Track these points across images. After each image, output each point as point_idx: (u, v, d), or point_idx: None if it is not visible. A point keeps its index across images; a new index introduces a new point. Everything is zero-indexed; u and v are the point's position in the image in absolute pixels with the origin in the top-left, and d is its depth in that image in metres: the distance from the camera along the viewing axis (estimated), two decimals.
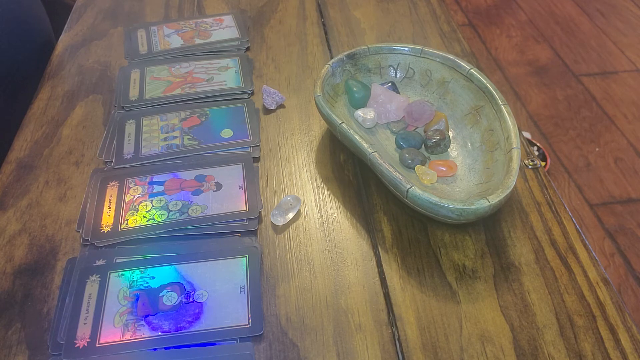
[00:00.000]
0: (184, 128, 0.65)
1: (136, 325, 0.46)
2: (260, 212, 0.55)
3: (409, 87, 0.66)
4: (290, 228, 0.54)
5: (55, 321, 0.47)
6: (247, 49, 0.79)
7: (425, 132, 0.61)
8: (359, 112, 0.62)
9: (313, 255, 0.52)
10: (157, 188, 0.58)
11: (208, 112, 0.67)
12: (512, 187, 0.50)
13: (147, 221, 0.54)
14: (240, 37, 0.80)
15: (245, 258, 0.51)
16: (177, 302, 0.48)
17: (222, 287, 0.49)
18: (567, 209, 0.55)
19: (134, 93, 0.70)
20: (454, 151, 0.60)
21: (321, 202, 0.57)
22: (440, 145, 0.59)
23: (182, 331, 0.46)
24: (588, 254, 0.51)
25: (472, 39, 2.03)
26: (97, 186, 0.58)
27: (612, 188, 1.47)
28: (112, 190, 0.58)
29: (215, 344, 0.45)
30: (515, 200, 0.56)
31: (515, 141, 0.53)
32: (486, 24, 2.12)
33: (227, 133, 0.64)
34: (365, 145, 0.54)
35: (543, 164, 1.50)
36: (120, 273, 0.50)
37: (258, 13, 0.86)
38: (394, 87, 0.65)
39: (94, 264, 0.51)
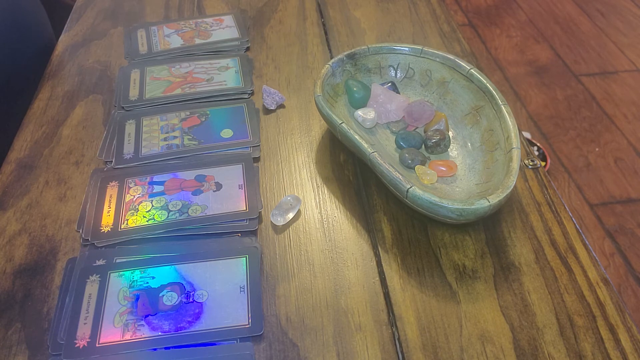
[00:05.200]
0: (184, 128, 0.65)
1: (136, 325, 0.46)
2: (260, 212, 0.55)
3: (409, 87, 0.66)
4: (290, 228, 0.54)
5: (55, 321, 0.47)
6: (247, 49, 0.79)
7: (425, 132, 0.61)
8: (359, 112, 0.62)
9: (313, 255, 0.52)
10: (157, 188, 0.58)
11: (208, 112, 0.67)
12: (512, 187, 0.50)
13: (147, 221, 0.54)
14: (240, 37, 0.80)
15: (245, 258, 0.51)
16: (177, 302, 0.48)
17: (222, 287, 0.49)
18: (567, 209, 0.55)
19: (134, 93, 0.70)
20: (454, 151, 0.60)
21: (321, 202, 0.57)
22: (440, 145, 0.59)
23: (182, 331, 0.46)
24: (588, 254, 0.51)
25: (472, 39, 2.03)
26: (97, 186, 0.58)
27: (612, 188, 1.47)
28: (112, 190, 0.58)
29: (215, 344, 0.45)
30: (515, 200, 0.56)
31: (515, 141, 0.53)
32: (486, 24, 2.12)
33: (227, 133, 0.64)
34: (365, 145, 0.54)
35: (543, 164, 1.50)
36: (120, 273, 0.50)
37: (258, 13, 0.86)
38: (394, 87, 0.65)
39: (94, 264, 0.51)
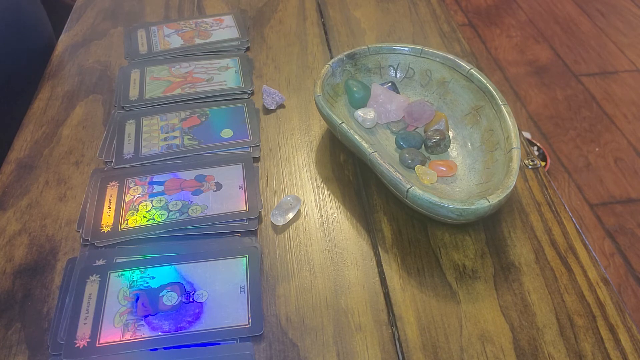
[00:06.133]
0: (184, 128, 0.65)
1: (136, 325, 0.46)
2: (260, 212, 0.55)
3: (409, 87, 0.66)
4: (290, 228, 0.54)
5: (55, 321, 0.47)
6: (247, 49, 0.79)
7: (425, 132, 0.61)
8: (359, 112, 0.62)
9: (313, 255, 0.52)
10: (157, 188, 0.58)
11: (208, 112, 0.67)
12: (512, 187, 0.50)
13: (147, 221, 0.54)
14: (240, 37, 0.80)
15: (245, 258, 0.51)
16: (177, 302, 0.48)
17: (222, 287, 0.49)
18: (567, 209, 0.55)
19: (134, 93, 0.70)
20: (454, 151, 0.60)
21: (321, 202, 0.57)
22: (440, 145, 0.59)
23: (182, 331, 0.46)
24: (588, 254, 0.51)
25: (472, 39, 2.03)
26: (97, 186, 0.58)
27: (612, 188, 1.47)
28: (112, 190, 0.58)
29: (215, 344, 0.45)
30: (515, 200, 0.56)
31: (515, 141, 0.53)
32: (486, 24, 2.12)
33: (227, 133, 0.64)
34: (365, 145, 0.54)
35: (543, 164, 1.50)
36: (120, 273, 0.50)
37: (258, 13, 0.86)
38: (394, 87, 0.65)
39: (94, 264, 0.51)
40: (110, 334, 0.46)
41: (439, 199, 0.49)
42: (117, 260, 0.51)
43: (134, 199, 0.57)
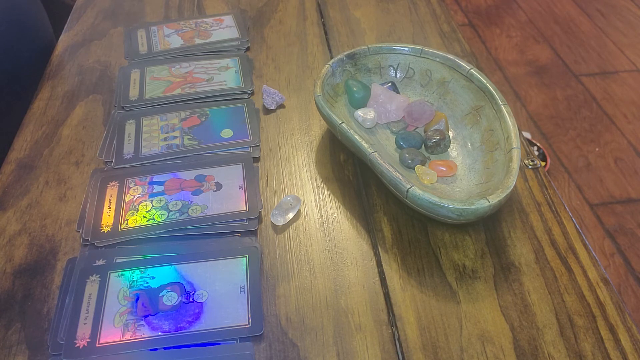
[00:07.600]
0: (184, 128, 0.65)
1: (136, 325, 0.46)
2: (260, 212, 0.55)
3: (409, 87, 0.66)
4: (290, 228, 0.54)
5: (55, 321, 0.47)
6: (247, 49, 0.79)
7: (425, 132, 0.61)
8: (359, 112, 0.62)
9: (313, 255, 0.52)
10: (157, 188, 0.58)
11: (208, 112, 0.67)
12: (512, 187, 0.50)
13: (147, 221, 0.54)
14: (240, 37, 0.80)
15: (245, 258, 0.51)
16: (177, 302, 0.48)
17: (222, 287, 0.49)
18: (567, 209, 0.55)
19: (134, 93, 0.70)
20: (454, 151, 0.60)
21: (321, 202, 0.57)
22: (440, 145, 0.59)
23: (182, 331, 0.46)
24: (588, 254, 0.51)
25: (472, 39, 2.03)
26: (97, 186, 0.58)
27: (612, 188, 1.47)
28: (112, 190, 0.58)
29: (215, 344, 0.45)
30: (515, 200, 0.56)
31: (515, 141, 0.53)
32: (486, 24, 2.12)
33: (227, 133, 0.64)
34: (365, 145, 0.54)
35: (543, 164, 1.50)
36: (120, 273, 0.50)
37: (258, 13, 0.86)
38: (394, 87, 0.65)
39: (94, 264, 0.51)
40: (110, 334, 0.46)
41: (439, 199, 0.49)
42: (117, 260, 0.51)
43: (134, 199, 0.57)
